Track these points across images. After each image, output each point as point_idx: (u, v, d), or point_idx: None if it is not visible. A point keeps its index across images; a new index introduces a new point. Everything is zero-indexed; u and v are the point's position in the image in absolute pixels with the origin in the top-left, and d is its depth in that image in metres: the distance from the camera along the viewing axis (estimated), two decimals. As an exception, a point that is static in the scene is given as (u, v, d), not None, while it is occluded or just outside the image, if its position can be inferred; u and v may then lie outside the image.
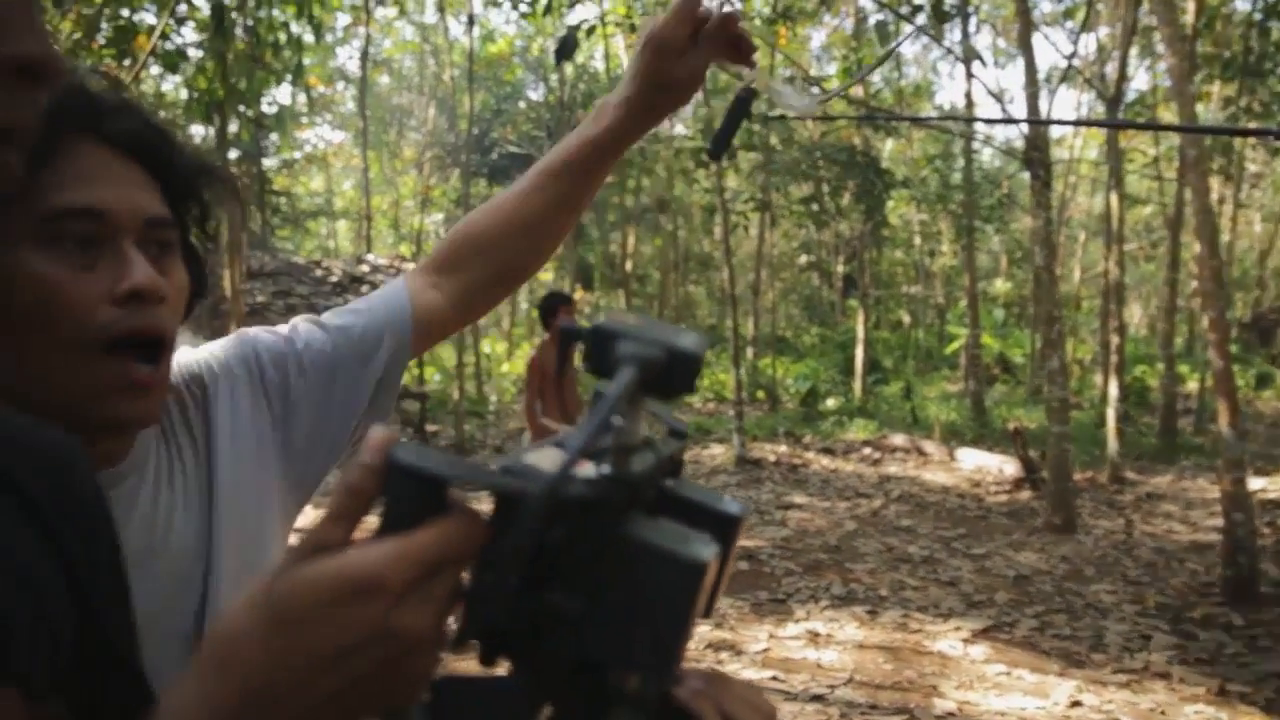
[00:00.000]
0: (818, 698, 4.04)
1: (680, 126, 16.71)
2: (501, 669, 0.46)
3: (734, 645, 4.67)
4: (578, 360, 0.48)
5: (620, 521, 0.44)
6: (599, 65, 16.45)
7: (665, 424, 0.59)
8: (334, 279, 12.41)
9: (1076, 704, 3.97)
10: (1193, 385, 14.86)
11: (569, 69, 15.62)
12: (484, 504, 0.44)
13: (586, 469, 0.43)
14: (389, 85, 25.94)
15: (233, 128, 10.82)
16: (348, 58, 35.08)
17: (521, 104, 19.94)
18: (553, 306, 6.21)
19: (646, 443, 0.51)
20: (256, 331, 0.99)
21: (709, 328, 19.33)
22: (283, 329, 1.00)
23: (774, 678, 4.24)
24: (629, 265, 16.63)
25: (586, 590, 0.43)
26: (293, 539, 0.79)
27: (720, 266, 17.20)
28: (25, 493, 0.52)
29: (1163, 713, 3.90)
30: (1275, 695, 4.07)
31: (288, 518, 0.97)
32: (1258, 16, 11.10)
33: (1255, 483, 7.16)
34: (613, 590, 0.43)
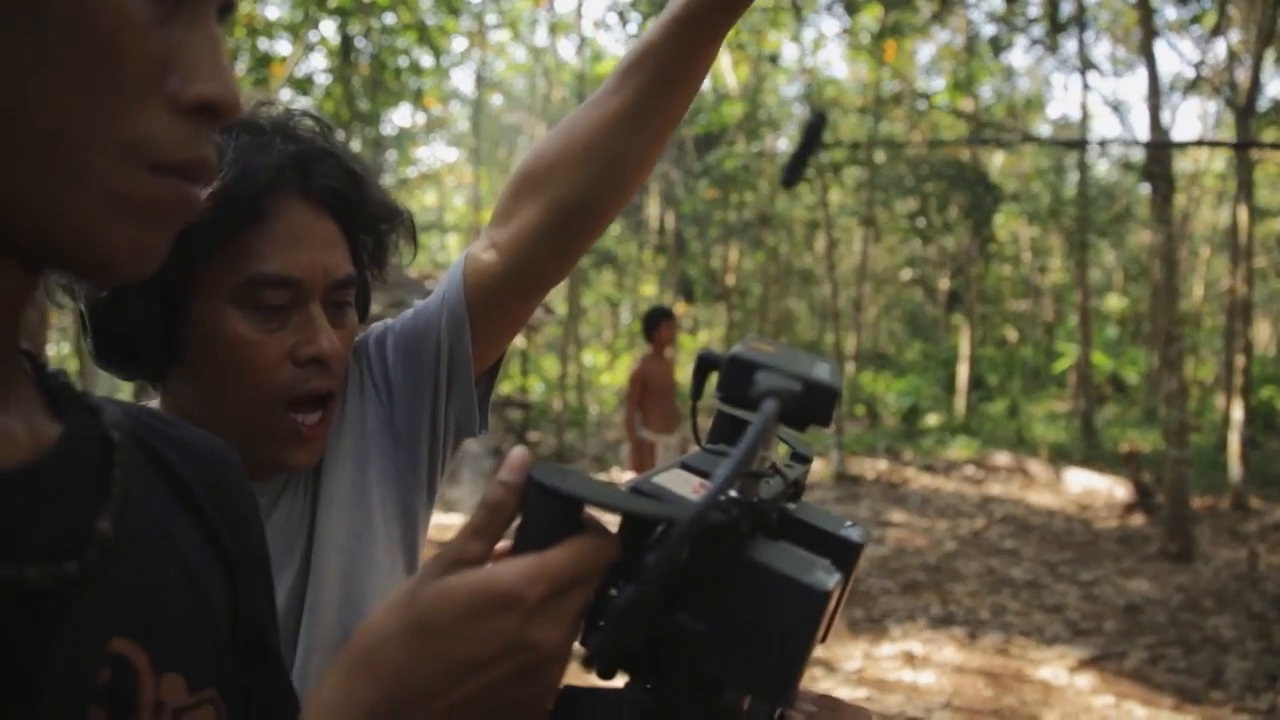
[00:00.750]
0: None
1: (783, 142, 16.69)
2: (616, 681, 0.47)
3: (828, 662, 4.67)
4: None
5: (745, 545, 0.45)
6: (705, 84, 16.56)
7: (791, 447, 0.61)
8: (444, 291, 12.83)
9: (1188, 740, 3.84)
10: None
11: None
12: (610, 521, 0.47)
13: (708, 491, 0.42)
14: (501, 105, 26.73)
15: (355, 147, 11.37)
16: (462, 79, 36.33)
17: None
18: (655, 320, 6.37)
19: (773, 467, 0.54)
20: (372, 327, 1.01)
21: (809, 342, 19.16)
22: (393, 320, 1.01)
23: (868, 698, 4.23)
24: (730, 279, 16.64)
25: (710, 610, 0.44)
26: (428, 549, 0.85)
27: (821, 281, 17.06)
28: (188, 488, 0.55)
29: (1283, 754, 3.74)
30: None
31: (396, 512, 0.97)
32: None
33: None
34: (735, 612, 0.44)
